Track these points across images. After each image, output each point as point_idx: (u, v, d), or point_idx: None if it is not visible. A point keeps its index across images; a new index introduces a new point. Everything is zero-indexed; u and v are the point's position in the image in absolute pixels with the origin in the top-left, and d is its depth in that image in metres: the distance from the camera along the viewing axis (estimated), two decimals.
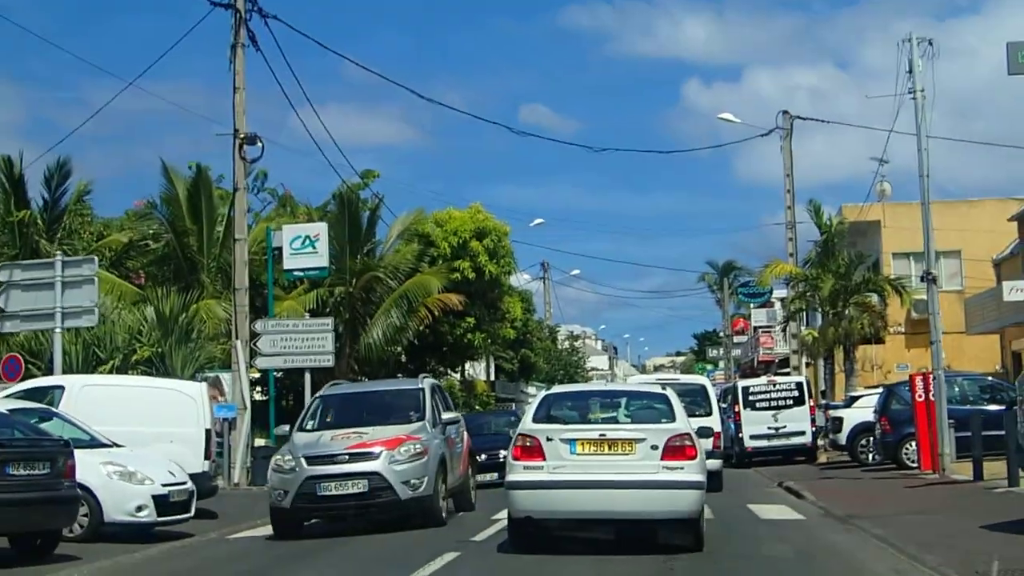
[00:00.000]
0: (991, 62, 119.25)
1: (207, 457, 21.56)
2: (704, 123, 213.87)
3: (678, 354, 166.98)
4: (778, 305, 63.91)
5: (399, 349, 47.72)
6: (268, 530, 19.05)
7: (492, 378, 70.44)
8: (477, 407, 56.19)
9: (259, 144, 32.12)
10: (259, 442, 32.73)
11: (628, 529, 14.74)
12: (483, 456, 27.53)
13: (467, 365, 60.94)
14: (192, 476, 19.56)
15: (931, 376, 25.24)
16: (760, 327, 68.70)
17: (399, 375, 51.40)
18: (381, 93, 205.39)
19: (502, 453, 27.24)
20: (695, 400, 24.55)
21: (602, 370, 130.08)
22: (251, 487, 30.78)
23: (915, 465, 27.25)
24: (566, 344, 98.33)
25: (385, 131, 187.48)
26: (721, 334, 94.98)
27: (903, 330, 50.31)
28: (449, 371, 55.22)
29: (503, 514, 18.81)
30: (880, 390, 31.84)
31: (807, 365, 49.27)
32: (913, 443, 27.44)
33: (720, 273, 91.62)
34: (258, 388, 44.16)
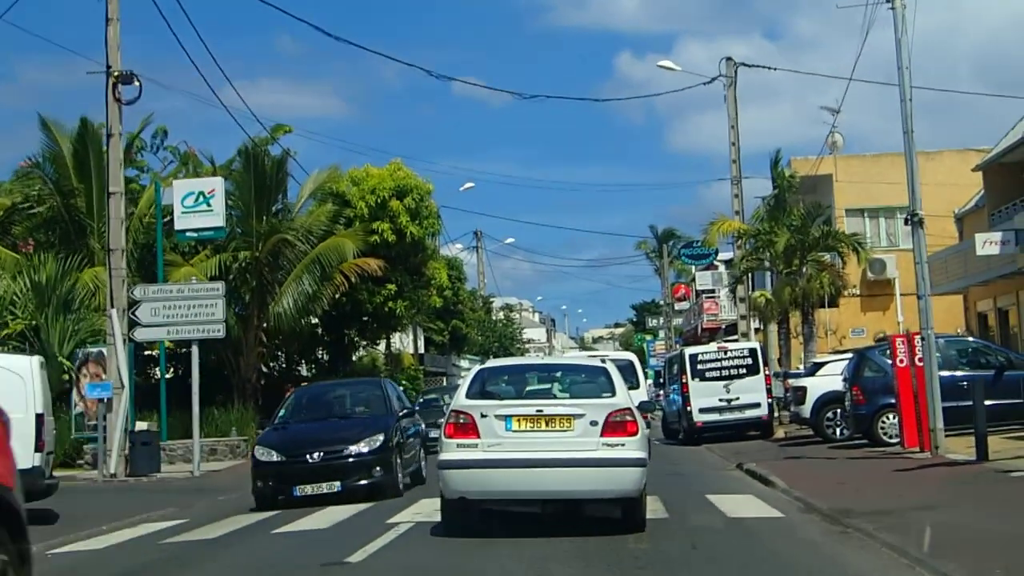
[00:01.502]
0: (918, 28, 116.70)
1: (39, 449, 17.45)
2: (638, 91, 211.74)
3: (616, 325, 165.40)
4: (723, 268, 60.37)
5: (314, 319, 43.78)
6: (119, 537, 15.83)
7: (421, 351, 66.49)
8: (404, 382, 52.26)
9: (136, 83, 27.99)
10: (140, 425, 28.65)
11: (566, 509, 13.98)
12: (316, 455, 19.17)
13: (395, 337, 56.94)
14: (20, 472, 15.53)
15: (916, 337, 21.51)
16: (705, 291, 65.04)
17: (319, 350, 47.46)
18: (312, 67, 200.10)
19: (351, 450, 19.29)
20: (623, 377, 21.72)
21: (540, 342, 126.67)
22: (128, 478, 26.90)
23: (894, 441, 23.73)
24: (501, 315, 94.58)
25: (316, 105, 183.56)
26: (661, 303, 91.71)
27: (858, 292, 46.99)
28: (372, 343, 51.20)
29: (402, 516, 16.01)
30: (848, 355, 28.18)
31: (756, 331, 45.63)
32: (891, 415, 23.94)
33: (659, 240, 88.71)
34: (173, 363, 40.56)
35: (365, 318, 45.27)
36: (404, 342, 63.16)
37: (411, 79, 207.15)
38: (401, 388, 47.12)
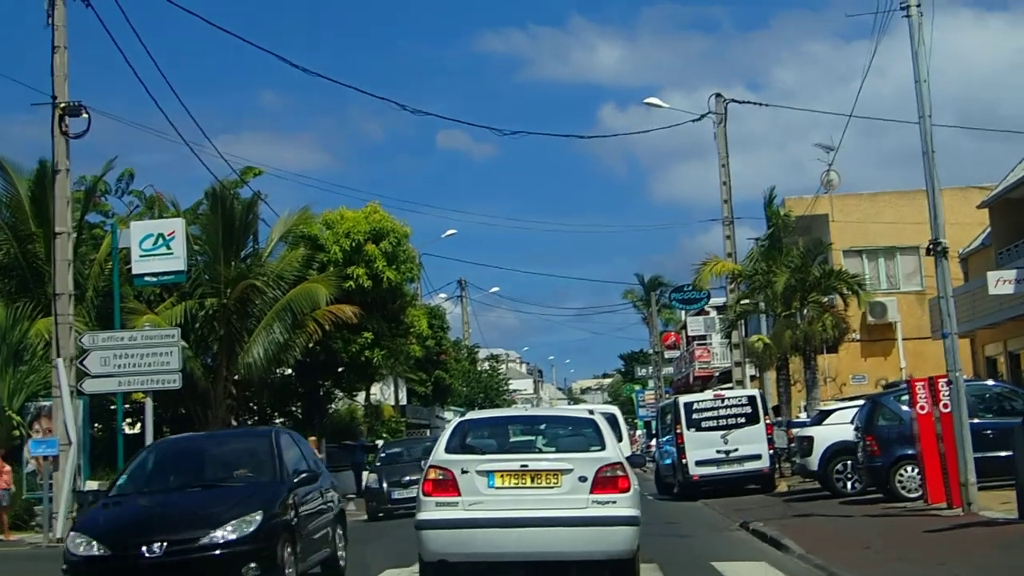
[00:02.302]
0: (899, 80, 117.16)
1: None
2: (619, 145, 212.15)
3: (604, 376, 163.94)
4: (714, 313, 58.32)
5: (288, 370, 41.58)
6: None
7: (403, 402, 64.16)
8: (385, 434, 50.03)
9: (85, 116, 25.91)
10: (91, 484, 26.35)
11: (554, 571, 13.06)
12: (157, 546, 12.43)
13: (376, 388, 54.70)
14: None
15: (941, 380, 19.39)
16: (696, 337, 62.86)
17: (293, 401, 45.20)
18: (295, 121, 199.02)
19: (213, 537, 12.57)
20: None
21: (527, 393, 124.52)
22: None
23: (914, 496, 21.65)
24: (486, 366, 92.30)
25: (299, 158, 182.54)
26: (650, 352, 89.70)
27: (858, 337, 44.91)
28: (349, 394, 48.95)
29: None
30: (858, 402, 26.05)
31: (752, 379, 43.53)
32: (910, 467, 21.88)
33: (646, 288, 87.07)
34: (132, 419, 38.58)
35: (340, 368, 43.12)
36: (386, 393, 60.96)
37: (394, 132, 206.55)
38: (341, 440, 44.23)
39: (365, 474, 33.28)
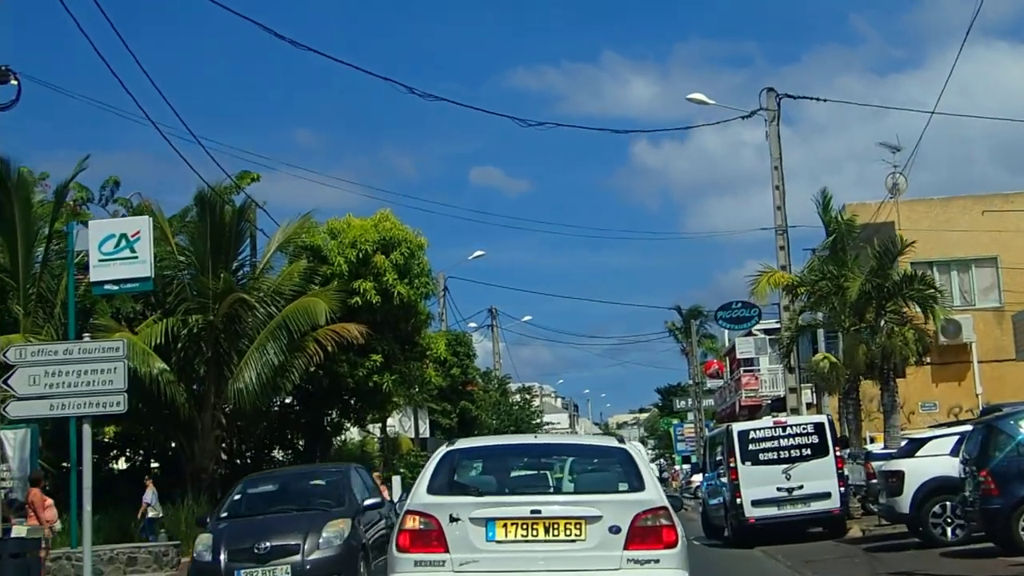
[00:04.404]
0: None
1: None
2: (654, 179, 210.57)
3: (641, 410, 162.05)
4: (763, 336, 53.63)
5: (287, 397, 37.14)
6: None
7: (425, 434, 59.69)
8: (403, 469, 45.49)
9: (14, 82, 21.55)
10: (18, 531, 21.82)
11: None
12: None
13: (396, 419, 50.30)
14: None
15: None
16: (744, 360, 58.02)
17: (296, 435, 40.71)
18: (331, 158, 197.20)
19: None
20: None
21: (561, 427, 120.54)
22: None
23: None
24: (517, 398, 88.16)
25: (336, 195, 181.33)
26: (691, 382, 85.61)
27: (928, 360, 40.16)
28: (360, 425, 44.43)
29: None
30: (961, 429, 21.28)
31: (808, 406, 38.80)
32: None
33: (685, 318, 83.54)
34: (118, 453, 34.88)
35: (346, 395, 38.55)
36: (406, 425, 56.58)
37: (426, 170, 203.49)
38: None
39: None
